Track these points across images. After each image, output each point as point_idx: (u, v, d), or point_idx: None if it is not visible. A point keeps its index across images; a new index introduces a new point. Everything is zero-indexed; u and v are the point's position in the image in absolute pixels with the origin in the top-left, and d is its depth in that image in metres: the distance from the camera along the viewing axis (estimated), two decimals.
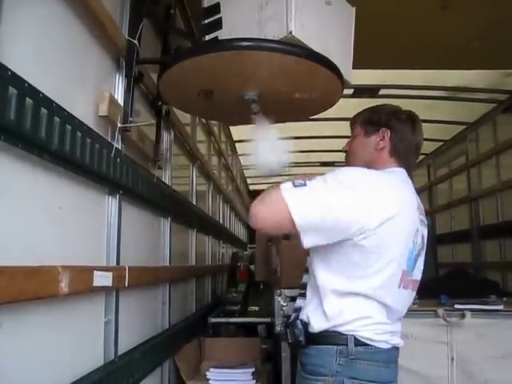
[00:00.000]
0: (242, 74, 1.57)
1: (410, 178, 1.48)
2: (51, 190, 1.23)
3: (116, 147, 1.56)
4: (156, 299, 2.22)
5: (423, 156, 5.99)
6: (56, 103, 1.16)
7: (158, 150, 2.05)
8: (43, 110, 1.10)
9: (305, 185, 1.24)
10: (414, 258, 1.35)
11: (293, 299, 2.08)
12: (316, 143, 5.48)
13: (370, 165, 1.42)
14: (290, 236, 2.25)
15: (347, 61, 1.75)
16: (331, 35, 1.65)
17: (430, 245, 1.47)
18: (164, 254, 2.32)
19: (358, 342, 1.28)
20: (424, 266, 1.42)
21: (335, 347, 1.28)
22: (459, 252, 4.80)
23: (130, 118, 1.64)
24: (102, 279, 1.39)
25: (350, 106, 3.80)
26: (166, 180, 2.33)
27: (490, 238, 4.49)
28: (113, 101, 1.55)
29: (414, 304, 1.56)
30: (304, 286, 1.44)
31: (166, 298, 2.30)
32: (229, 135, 5.28)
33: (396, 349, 1.35)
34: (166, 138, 2.34)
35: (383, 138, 1.46)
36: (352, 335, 1.28)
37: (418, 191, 1.53)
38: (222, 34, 1.66)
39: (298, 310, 1.41)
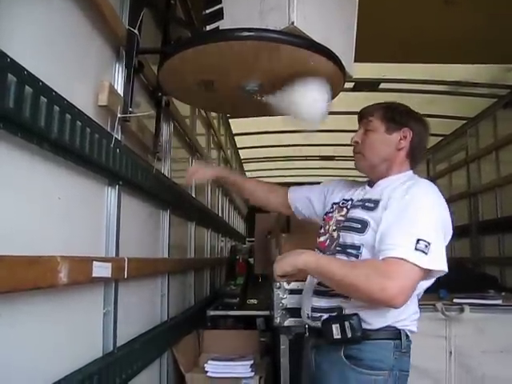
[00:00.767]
0: (243, 65, 1.56)
1: None
2: (50, 179, 1.22)
3: (116, 137, 1.54)
4: (155, 291, 2.22)
5: None
6: (56, 92, 1.15)
7: (158, 142, 2.04)
8: (43, 99, 1.09)
9: (427, 245, 1.26)
10: None
11: (292, 292, 2.08)
12: (315, 136, 5.45)
13: (386, 162, 1.49)
14: (290, 229, 2.26)
15: (349, 53, 1.74)
16: (333, 27, 1.64)
17: None
18: (163, 245, 2.31)
19: (407, 336, 1.39)
20: None
21: (392, 342, 1.36)
22: (458, 247, 4.80)
23: (130, 109, 1.63)
24: (101, 270, 1.39)
25: (350, 100, 3.81)
26: (166, 172, 2.32)
27: (489, 233, 4.49)
28: (113, 91, 1.53)
29: None
30: (320, 284, 1.46)
31: (165, 290, 2.30)
32: (228, 128, 5.27)
33: None
34: (166, 129, 2.33)
35: (405, 137, 1.49)
36: (403, 329, 1.38)
37: None
38: (223, 25, 1.64)
39: (335, 309, 1.41)
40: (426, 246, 1.25)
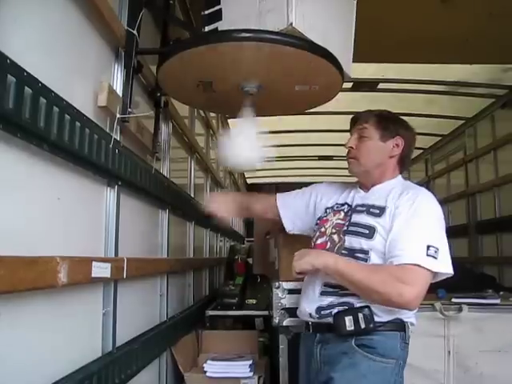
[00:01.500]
0: (242, 66, 1.56)
1: None
2: (50, 180, 1.22)
3: (115, 138, 1.55)
4: (154, 291, 2.22)
5: (421, 151, 5.99)
6: (55, 93, 1.15)
7: (157, 142, 2.05)
8: (42, 100, 1.09)
9: (436, 250, 1.37)
10: None
11: (291, 292, 2.08)
12: (314, 137, 5.47)
13: (380, 168, 1.59)
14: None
15: (347, 54, 1.74)
16: (332, 28, 1.64)
17: None
18: (162, 245, 2.32)
19: (408, 328, 1.48)
20: None
21: (398, 333, 1.46)
22: (456, 247, 4.80)
23: (129, 109, 1.63)
24: (101, 270, 1.39)
25: (348, 100, 3.82)
26: (165, 172, 2.33)
27: (487, 232, 4.50)
28: (112, 91, 1.54)
29: None
30: (328, 285, 1.51)
31: (164, 290, 2.30)
32: (227, 128, 5.26)
33: None
34: (165, 129, 2.33)
35: (397, 145, 1.59)
36: (407, 322, 1.48)
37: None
38: (222, 26, 1.65)
39: (346, 304, 1.47)
40: (436, 252, 1.37)
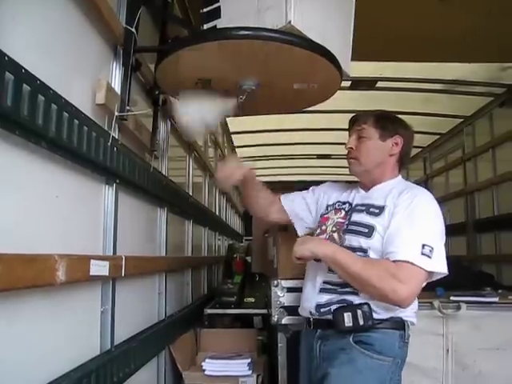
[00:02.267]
0: (241, 64, 1.56)
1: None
2: (48, 178, 1.22)
3: (113, 136, 1.54)
4: (152, 289, 2.22)
5: (419, 149, 5.99)
6: (53, 90, 1.15)
7: (155, 140, 2.04)
8: (40, 97, 1.09)
9: (431, 250, 1.39)
10: None
11: (289, 290, 2.09)
12: (312, 135, 5.47)
13: (380, 167, 1.60)
14: (288, 227, 2.26)
15: (346, 52, 1.74)
16: (331, 26, 1.64)
17: None
18: (160, 244, 2.32)
19: (408, 327, 1.49)
20: None
21: (397, 332, 1.47)
22: (455, 245, 4.81)
23: (128, 107, 1.63)
24: (99, 268, 1.39)
25: (346, 98, 3.81)
26: (163, 170, 2.33)
27: (486, 231, 4.50)
28: (110, 89, 1.53)
29: None
30: (327, 283, 1.53)
31: (163, 289, 2.30)
32: (225, 126, 5.26)
33: None
34: (163, 128, 2.33)
35: (396, 144, 1.60)
36: (407, 321, 1.49)
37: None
38: (221, 23, 1.65)
39: (345, 301, 1.48)
40: (430, 251, 1.38)
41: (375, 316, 1.44)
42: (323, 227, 1.64)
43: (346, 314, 1.44)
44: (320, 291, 1.54)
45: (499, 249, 4.21)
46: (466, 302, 2.18)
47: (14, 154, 1.05)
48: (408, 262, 1.37)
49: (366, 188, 1.65)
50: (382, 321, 1.45)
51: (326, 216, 1.68)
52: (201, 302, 3.24)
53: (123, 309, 1.68)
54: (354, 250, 1.49)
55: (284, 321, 2.07)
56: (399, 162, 1.64)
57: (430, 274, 1.41)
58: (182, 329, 2.59)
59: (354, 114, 1.71)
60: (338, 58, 1.59)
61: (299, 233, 1.82)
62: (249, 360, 2.44)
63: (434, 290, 2.23)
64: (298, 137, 5.52)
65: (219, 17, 1.66)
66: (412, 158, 6.03)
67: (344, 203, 1.66)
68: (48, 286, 1.14)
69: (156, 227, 2.29)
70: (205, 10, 1.71)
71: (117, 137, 1.62)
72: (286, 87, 1.72)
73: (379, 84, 4.01)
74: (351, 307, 1.45)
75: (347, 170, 1.68)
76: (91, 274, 1.34)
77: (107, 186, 1.61)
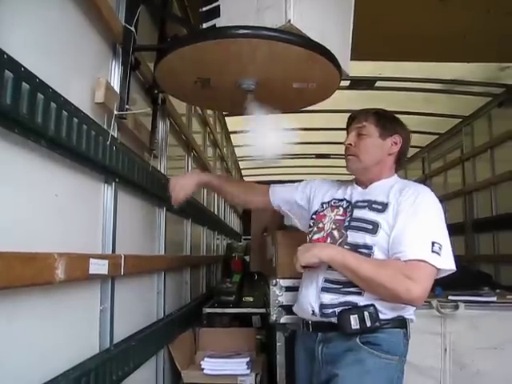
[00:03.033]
0: (240, 63, 1.56)
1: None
2: (47, 177, 1.22)
3: (112, 135, 1.54)
4: (151, 288, 2.22)
5: (418, 149, 6.00)
6: (52, 89, 1.15)
7: (154, 139, 2.04)
8: (39, 96, 1.09)
9: (440, 247, 1.40)
10: None
11: (288, 289, 2.08)
12: (311, 135, 5.47)
13: (378, 165, 1.61)
14: (287, 226, 2.26)
15: (345, 51, 1.74)
16: (330, 25, 1.64)
17: None
18: (159, 243, 2.31)
19: (409, 325, 1.51)
20: None
21: (401, 331, 1.48)
22: (453, 245, 4.81)
23: (127, 106, 1.63)
24: (98, 267, 1.39)
25: (345, 98, 3.82)
26: (162, 169, 2.32)
27: (484, 231, 4.51)
28: (109, 88, 1.53)
29: None
30: (329, 281, 1.51)
31: (162, 287, 2.30)
32: (224, 126, 5.27)
33: None
34: (162, 127, 2.33)
35: (395, 143, 1.61)
36: (408, 319, 1.51)
37: None
38: (220, 23, 1.64)
39: (349, 303, 1.46)
40: (440, 248, 1.39)
41: (381, 316, 1.43)
42: (320, 225, 1.62)
43: (352, 317, 1.42)
44: (322, 290, 1.51)
45: (497, 249, 4.22)
46: (464, 302, 2.18)
47: (13, 153, 1.05)
48: (420, 260, 1.37)
49: (364, 185, 1.64)
50: (387, 320, 1.45)
51: (321, 214, 1.65)
52: (199, 301, 3.24)
53: (122, 307, 1.68)
54: (357, 246, 1.48)
55: (282, 320, 2.07)
56: (397, 161, 1.65)
57: (438, 270, 1.42)
58: (181, 328, 2.59)
59: (353, 112, 1.71)
60: (337, 57, 1.59)
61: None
62: (247, 359, 2.45)
63: (432, 289, 2.23)
64: (297, 136, 5.51)
65: (218, 16, 1.65)
66: (411, 158, 6.04)
67: (340, 200, 1.64)
68: (47, 285, 1.14)
69: (155, 226, 2.29)
70: (204, 8, 1.70)
71: (116, 136, 1.61)
72: (285, 86, 1.72)
73: (378, 83, 4.01)
74: (357, 309, 1.43)
75: (346, 169, 1.68)
76: (90, 272, 1.34)
77: (106, 185, 1.61)
